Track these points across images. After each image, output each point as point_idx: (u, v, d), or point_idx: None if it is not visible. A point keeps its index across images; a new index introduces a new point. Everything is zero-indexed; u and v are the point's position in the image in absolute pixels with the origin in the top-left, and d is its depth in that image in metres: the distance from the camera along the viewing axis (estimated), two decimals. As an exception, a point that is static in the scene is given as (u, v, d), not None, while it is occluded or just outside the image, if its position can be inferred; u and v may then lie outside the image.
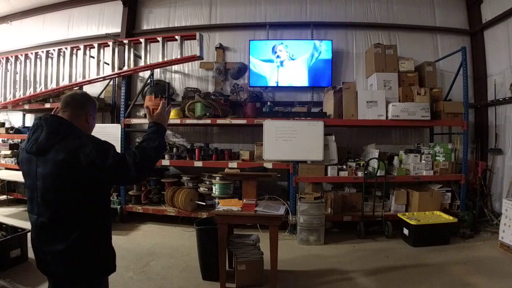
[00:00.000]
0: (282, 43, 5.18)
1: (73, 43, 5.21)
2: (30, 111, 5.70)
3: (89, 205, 1.42)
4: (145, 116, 4.70)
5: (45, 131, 1.40)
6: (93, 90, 5.35)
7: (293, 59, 5.17)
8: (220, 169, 4.23)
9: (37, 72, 4.76)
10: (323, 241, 3.82)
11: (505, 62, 4.71)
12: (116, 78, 5.21)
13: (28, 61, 4.86)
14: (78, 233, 1.38)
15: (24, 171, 1.49)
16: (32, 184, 1.43)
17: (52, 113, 1.56)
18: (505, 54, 4.69)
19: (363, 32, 5.35)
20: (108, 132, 4.59)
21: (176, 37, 4.22)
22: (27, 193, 1.50)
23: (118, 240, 3.90)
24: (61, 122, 1.45)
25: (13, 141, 5.70)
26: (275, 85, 5.22)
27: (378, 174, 4.13)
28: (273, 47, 5.19)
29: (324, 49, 5.14)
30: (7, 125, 5.69)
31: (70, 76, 4.58)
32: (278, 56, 5.18)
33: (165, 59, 4.25)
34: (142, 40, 4.31)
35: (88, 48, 4.55)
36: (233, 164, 4.30)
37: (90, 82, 4.60)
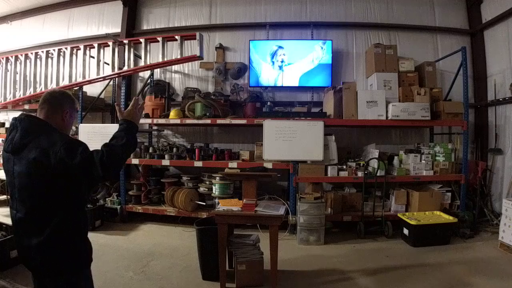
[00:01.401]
0: (282, 47, 5.17)
1: (73, 43, 5.21)
2: (30, 111, 5.69)
3: (62, 201, 1.46)
4: (145, 116, 4.73)
5: (19, 131, 1.47)
6: (93, 90, 5.37)
7: (293, 59, 5.17)
8: (220, 169, 4.23)
9: (37, 72, 4.76)
10: (323, 241, 3.82)
11: (505, 62, 4.71)
12: (116, 78, 5.21)
13: (28, 61, 4.86)
14: (52, 228, 1.43)
15: (5, 169, 1.55)
16: (11, 182, 1.50)
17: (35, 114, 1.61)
18: (505, 54, 4.69)
19: (363, 32, 5.35)
20: (108, 132, 4.51)
21: (176, 37, 4.22)
22: (9, 190, 1.56)
23: (118, 240, 3.93)
24: (34, 122, 1.51)
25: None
26: (275, 85, 5.22)
27: (378, 174, 4.13)
28: (274, 50, 5.19)
29: (324, 49, 5.14)
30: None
31: (70, 76, 4.58)
32: (278, 56, 5.18)
33: (165, 59, 4.25)
34: (142, 40, 4.31)
35: (88, 48, 4.55)
36: (233, 164, 4.30)
37: (90, 82, 4.60)
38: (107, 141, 1.50)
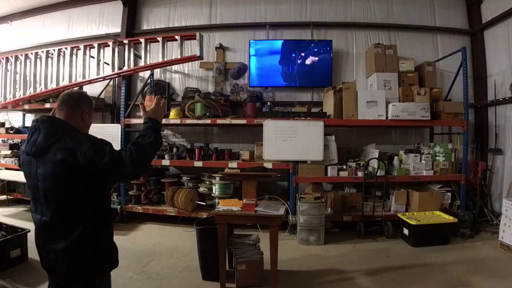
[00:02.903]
0: (281, 47, 5.17)
1: (73, 43, 5.20)
2: (30, 111, 5.70)
3: (89, 203, 1.45)
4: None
5: (42, 132, 1.43)
6: (93, 90, 5.37)
7: (293, 59, 5.17)
8: (220, 169, 4.23)
9: (37, 72, 4.76)
10: (323, 241, 3.82)
11: (505, 62, 4.71)
12: (116, 78, 5.21)
13: (28, 61, 4.85)
14: (79, 231, 1.41)
15: (26, 173, 1.51)
16: (34, 185, 1.46)
17: (50, 114, 1.59)
18: (505, 54, 4.69)
19: (363, 32, 5.35)
20: (108, 132, 4.59)
21: (176, 37, 4.22)
22: (30, 194, 1.52)
23: (118, 240, 3.89)
24: (57, 123, 1.49)
25: (13, 141, 5.69)
26: (275, 85, 5.22)
27: (378, 174, 4.13)
28: (273, 49, 5.19)
29: (324, 49, 5.14)
30: (7, 125, 5.69)
31: (70, 76, 4.58)
32: (278, 57, 5.18)
33: (165, 59, 4.25)
34: (142, 40, 4.30)
35: (88, 48, 4.54)
36: (233, 164, 4.30)
37: (90, 82, 4.59)
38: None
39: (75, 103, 1.56)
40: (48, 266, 1.49)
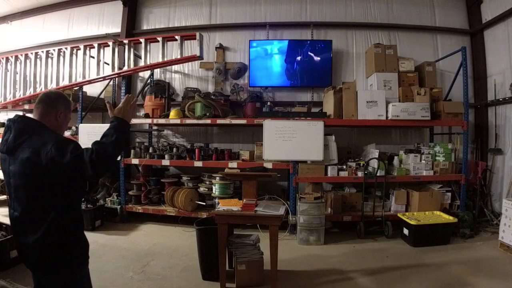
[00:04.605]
0: (281, 47, 5.16)
1: (73, 43, 5.21)
2: (30, 111, 5.67)
3: (55, 199, 1.49)
4: (145, 116, 4.74)
5: (13, 131, 1.50)
6: (93, 90, 5.37)
7: (293, 60, 5.17)
8: (220, 169, 4.23)
9: (37, 72, 4.76)
10: (323, 241, 3.82)
11: (505, 62, 4.71)
12: (116, 78, 5.21)
13: (28, 61, 4.86)
14: (46, 225, 1.45)
15: (2, 169, 1.57)
16: (8, 182, 1.54)
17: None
18: (505, 54, 4.69)
19: (363, 32, 5.35)
20: (108, 132, 4.58)
21: (176, 37, 4.22)
22: (7, 190, 1.61)
23: (118, 240, 3.93)
24: (27, 123, 1.53)
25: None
26: (275, 85, 5.22)
27: (378, 174, 4.13)
28: (273, 49, 5.20)
29: (324, 49, 5.14)
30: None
31: (70, 76, 4.58)
32: (278, 57, 5.19)
33: (165, 59, 4.25)
34: (142, 40, 4.31)
35: (88, 48, 4.55)
36: (233, 164, 4.30)
37: (90, 82, 4.60)
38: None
39: (51, 102, 1.59)
40: (23, 260, 1.55)
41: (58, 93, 1.69)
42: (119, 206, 4.60)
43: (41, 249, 1.47)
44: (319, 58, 5.15)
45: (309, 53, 5.15)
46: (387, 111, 4.31)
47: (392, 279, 2.94)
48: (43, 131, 1.51)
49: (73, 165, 1.39)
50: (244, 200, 2.80)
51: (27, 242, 1.47)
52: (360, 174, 4.20)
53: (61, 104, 1.62)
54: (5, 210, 5.04)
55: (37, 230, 1.45)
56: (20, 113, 6.19)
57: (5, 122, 1.57)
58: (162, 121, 4.66)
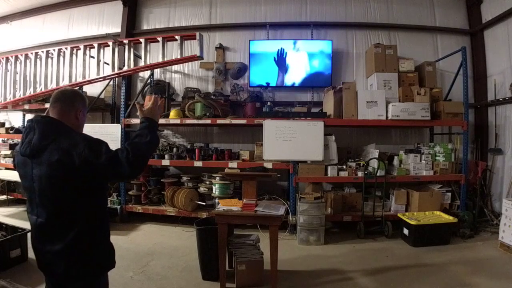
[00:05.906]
0: (281, 47, 5.17)
1: (73, 43, 5.20)
2: (30, 111, 5.70)
3: (85, 203, 1.43)
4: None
5: (37, 133, 1.41)
6: (93, 90, 5.37)
7: (293, 60, 5.17)
8: (220, 169, 4.23)
9: (37, 72, 4.76)
10: (323, 241, 3.82)
11: (505, 62, 4.71)
12: (116, 78, 5.21)
13: (28, 61, 4.85)
14: (75, 232, 1.40)
15: (21, 174, 1.49)
16: (30, 186, 1.44)
17: (45, 113, 1.56)
18: (505, 54, 4.69)
19: (363, 32, 5.35)
20: (108, 132, 4.58)
21: (176, 37, 4.22)
22: (26, 195, 1.50)
23: (118, 240, 3.92)
24: (52, 123, 1.46)
25: (13, 141, 5.70)
26: (275, 85, 5.22)
27: (378, 174, 4.13)
28: (273, 49, 5.19)
29: (324, 49, 5.15)
30: (7, 125, 5.69)
31: (70, 76, 4.58)
32: (278, 57, 5.18)
33: (165, 59, 4.25)
34: (142, 40, 4.31)
35: (88, 48, 4.55)
36: (233, 164, 4.30)
37: (90, 82, 4.60)
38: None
39: (69, 101, 1.53)
40: (44, 268, 1.47)
41: (74, 91, 1.63)
42: (119, 206, 4.60)
43: (70, 257, 1.40)
44: (319, 58, 5.15)
45: (309, 53, 5.15)
46: (387, 111, 4.31)
47: (392, 279, 2.94)
48: (69, 131, 1.45)
49: (109, 166, 1.36)
50: (244, 200, 2.79)
51: (53, 250, 1.39)
52: (360, 174, 4.20)
53: (79, 102, 1.57)
54: (5, 210, 5.04)
55: (64, 237, 1.38)
56: (21, 114, 6.20)
57: (27, 123, 1.47)
58: (162, 121, 4.65)
